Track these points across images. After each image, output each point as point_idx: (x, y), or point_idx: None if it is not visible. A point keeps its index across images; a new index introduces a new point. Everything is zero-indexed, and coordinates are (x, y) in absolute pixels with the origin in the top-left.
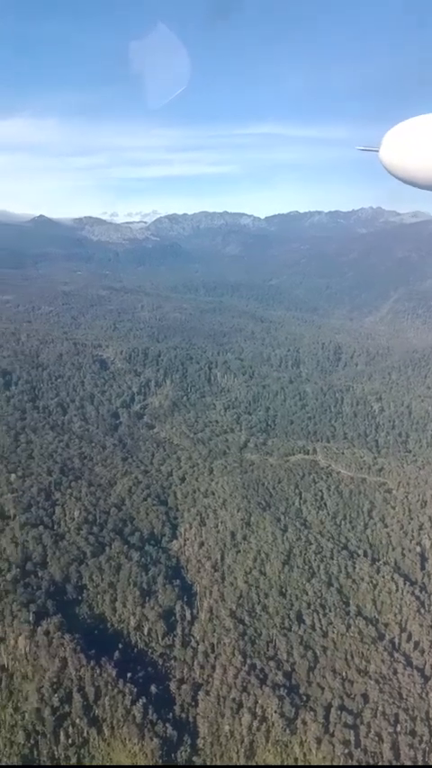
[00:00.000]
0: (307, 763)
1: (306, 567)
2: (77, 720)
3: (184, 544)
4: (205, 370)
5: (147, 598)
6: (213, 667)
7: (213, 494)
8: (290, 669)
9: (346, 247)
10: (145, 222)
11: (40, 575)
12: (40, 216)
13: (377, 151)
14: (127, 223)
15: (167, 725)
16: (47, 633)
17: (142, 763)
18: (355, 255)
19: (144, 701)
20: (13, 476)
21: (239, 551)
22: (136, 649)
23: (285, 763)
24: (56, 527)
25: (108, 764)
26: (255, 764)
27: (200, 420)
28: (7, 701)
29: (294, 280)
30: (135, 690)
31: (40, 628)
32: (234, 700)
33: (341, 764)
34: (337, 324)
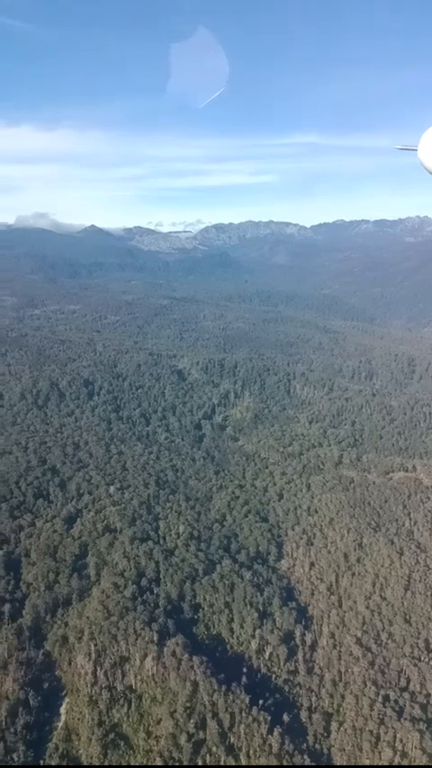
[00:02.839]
0: None
1: (429, 594)
2: (214, 748)
3: (293, 564)
4: (284, 382)
5: (264, 620)
6: (343, 696)
7: (317, 512)
8: (425, 701)
9: (397, 256)
10: (190, 231)
11: (155, 591)
12: (92, 226)
13: (416, 150)
14: (174, 232)
15: (304, 756)
16: (174, 654)
17: None
18: (408, 264)
19: (280, 730)
20: (111, 488)
21: (354, 574)
22: (259, 674)
23: None
24: (162, 542)
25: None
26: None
27: (286, 433)
28: (138, 725)
29: (348, 289)
30: (269, 718)
31: (165, 648)
32: (372, 732)
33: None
34: (398, 334)
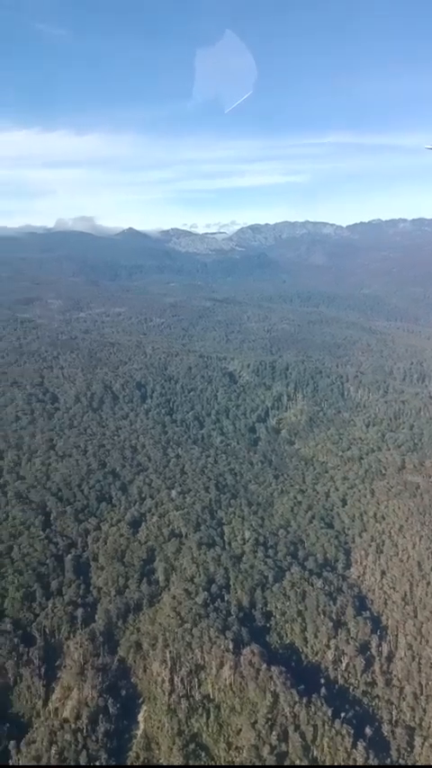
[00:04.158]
0: None
1: None
2: (297, 761)
3: (363, 572)
4: (337, 385)
5: (338, 630)
6: (425, 710)
7: (384, 518)
8: None
9: None
10: (224, 233)
11: (226, 598)
12: (129, 228)
13: None
14: (210, 234)
15: None
16: (251, 664)
17: None
18: None
19: (364, 743)
20: (173, 492)
21: (430, 583)
22: (336, 685)
23: None
24: (228, 547)
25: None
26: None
27: (343, 437)
28: (218, 735)
29: (388, 289)
30: (352, 731)
31: (242, 657)
32: None
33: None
34: None
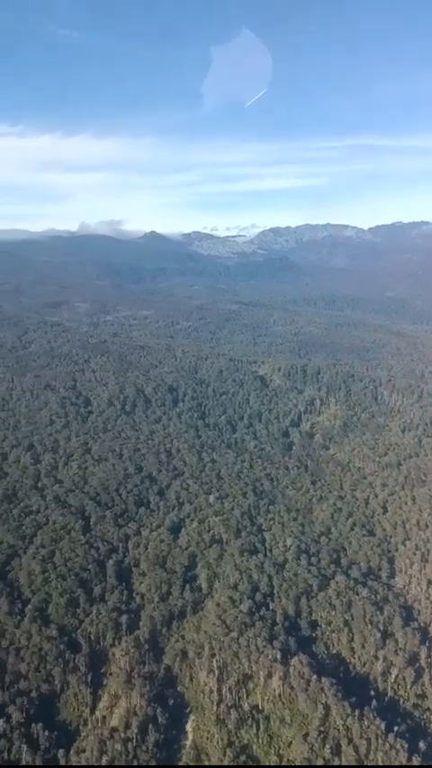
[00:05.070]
0: None
1: None
2: None
3: (409, 582)
4: (370, 389)
5: (385, 640)
6: None
7: (428, 527)
8: None
9: None
10: (244, 236)
11: (271, 607)
12: (152, 232)
13: None
14: (230, 237)
15: None
16: (301, 675)
17: None
18: None
19: (419, 758)
20: (211, 497)
21: None
22: (386, 697)
23: None
24: (270, 554)
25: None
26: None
27: (379, 442)
28: (268, 747)
29: (413, 292)
30: (406, 746)
31: (291, 668)
32: None
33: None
34: None
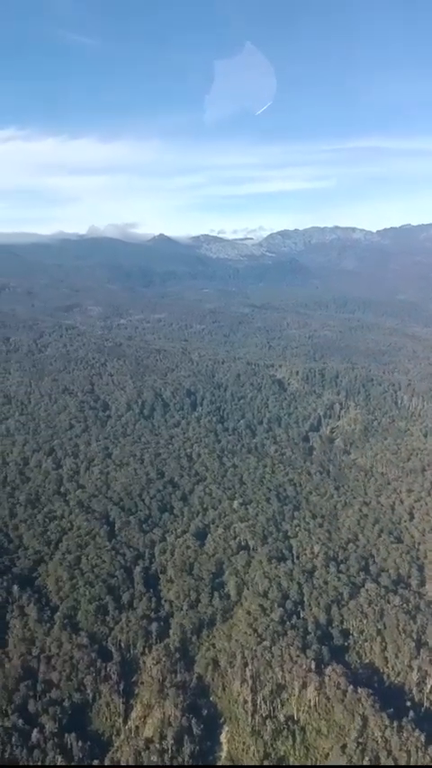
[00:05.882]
0: None
1: None
2: None
3: None
4: (390, 393)
5: (420, 650)
6: None
7: None
8: None
9: None
10: (252, 238)
11: (302, 615)
12: (160, 235)
13: None
14: (239, 240)
15: None
16: (337, 685)
17: None
18: None
19: None
20: (235, 503)
21: None
22: (422, 708)
23: None
24: (297, 561)
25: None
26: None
27: (401, 447)
28: (305, 759)
29: (424, 294)
30: None
31: (327, 678)
32: None
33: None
34: None
